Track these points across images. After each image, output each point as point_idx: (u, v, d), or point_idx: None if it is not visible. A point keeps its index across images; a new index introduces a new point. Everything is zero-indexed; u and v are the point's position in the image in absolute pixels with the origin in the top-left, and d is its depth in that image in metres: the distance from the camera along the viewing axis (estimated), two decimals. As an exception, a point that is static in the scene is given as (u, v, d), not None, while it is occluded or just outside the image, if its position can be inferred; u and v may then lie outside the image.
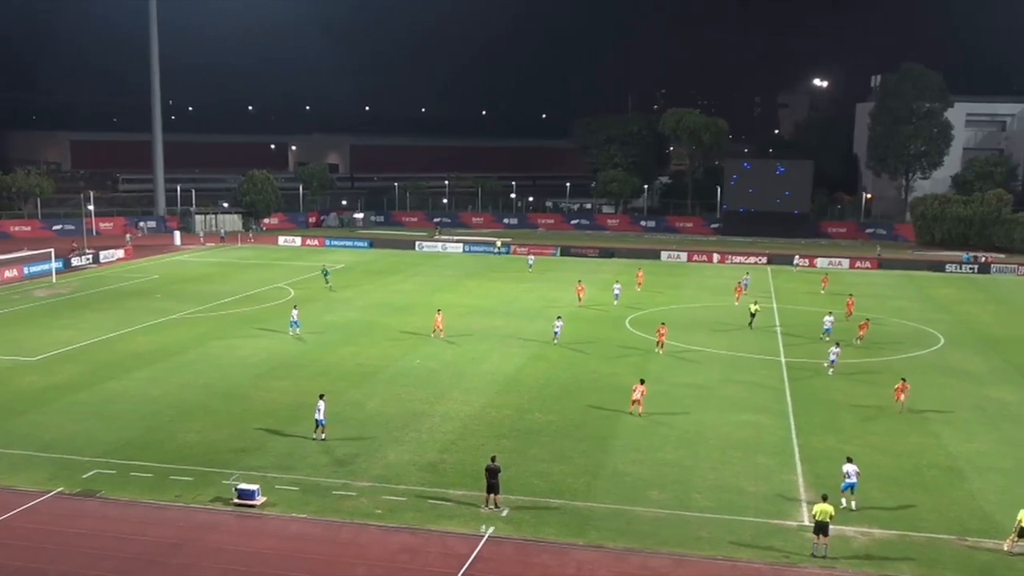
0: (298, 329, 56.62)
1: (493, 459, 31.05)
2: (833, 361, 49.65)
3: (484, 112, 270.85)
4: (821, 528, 27.80)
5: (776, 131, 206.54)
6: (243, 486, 31.03)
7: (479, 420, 40.31)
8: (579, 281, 71.66)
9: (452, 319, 62.33)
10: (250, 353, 51.87)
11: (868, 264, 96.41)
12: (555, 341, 54.90)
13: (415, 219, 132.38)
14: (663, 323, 55.81)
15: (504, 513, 30.25)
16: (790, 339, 58.03)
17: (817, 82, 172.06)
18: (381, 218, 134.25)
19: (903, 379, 42.76)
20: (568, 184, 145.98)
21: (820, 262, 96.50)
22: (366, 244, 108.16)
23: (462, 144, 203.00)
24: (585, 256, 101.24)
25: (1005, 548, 28.32)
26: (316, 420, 36.85)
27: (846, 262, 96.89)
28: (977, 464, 36.00)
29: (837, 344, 51.12)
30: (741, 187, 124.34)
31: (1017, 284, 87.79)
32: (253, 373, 47.52)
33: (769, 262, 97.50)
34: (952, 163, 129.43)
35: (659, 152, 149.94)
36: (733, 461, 35.67)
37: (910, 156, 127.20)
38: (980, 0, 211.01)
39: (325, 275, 76.63)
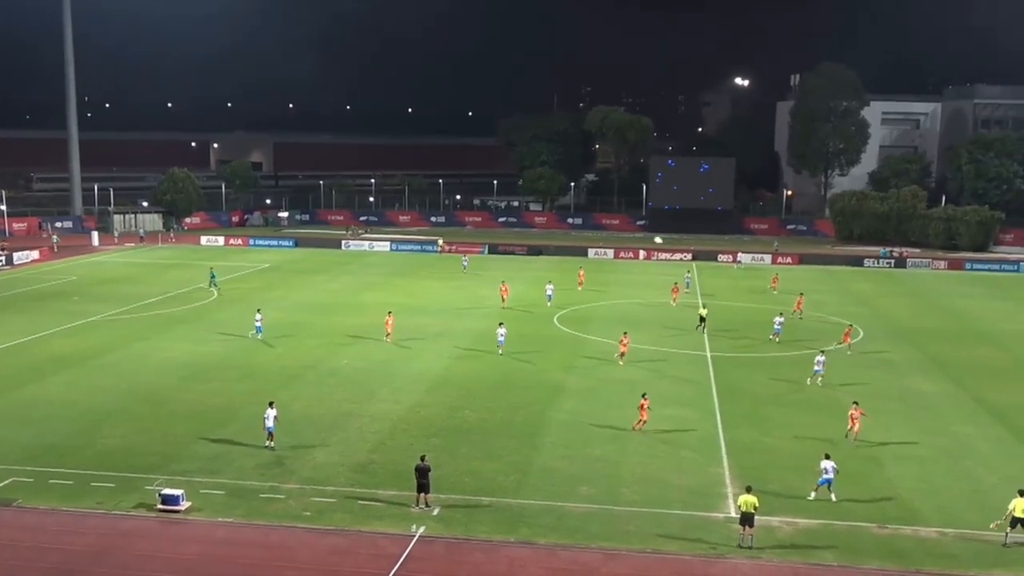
0: (259, 335, 55.01)
1: (423, 458, 30.98)
2: (818, 371, 46.70)
3: (410, 110, 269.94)
4: (747, 519, 28.32)
5: (700, 129, 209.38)
6: (167, 491, 30.48)
7: (408, 419, 40.17)
8: (503, 282, 70.50)
9: (381, 318, 61.99)
10: (174, 355, 50.95)
11: (789, 260, 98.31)
12: (499, 351, 51.90)
13: (341, 217, 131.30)
14: (626, 332, 52.69)
15: (435, 512, 30.21)
16: (715, 334, 58.85)
17: (739, 81, 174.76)
18: (307, 217, 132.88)
19: (855, 403, 38.56)
20: (495, 182, 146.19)
21: (743, 257, 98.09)
22: (291, 243, 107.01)
23: (388, 142, 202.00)
24: (513, 254, 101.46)
25: (1002, 538, 28.94)
26: (267, 428, 35.85)
27: (768, 258, 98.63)
28: (896, 453, 36.98)
29: (822, 352, 48.26)
30: (666, 184, 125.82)
31: (932, 278, 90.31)
32: (177, 376, 46.69)
33: (694, 258, 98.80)
34: (869, 160, 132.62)
35: (585, 150, 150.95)
36: (660, 455, 36.10)
37: (829, 154, 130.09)
38: (895, 2, 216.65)
39: (212, 278, 73.79)
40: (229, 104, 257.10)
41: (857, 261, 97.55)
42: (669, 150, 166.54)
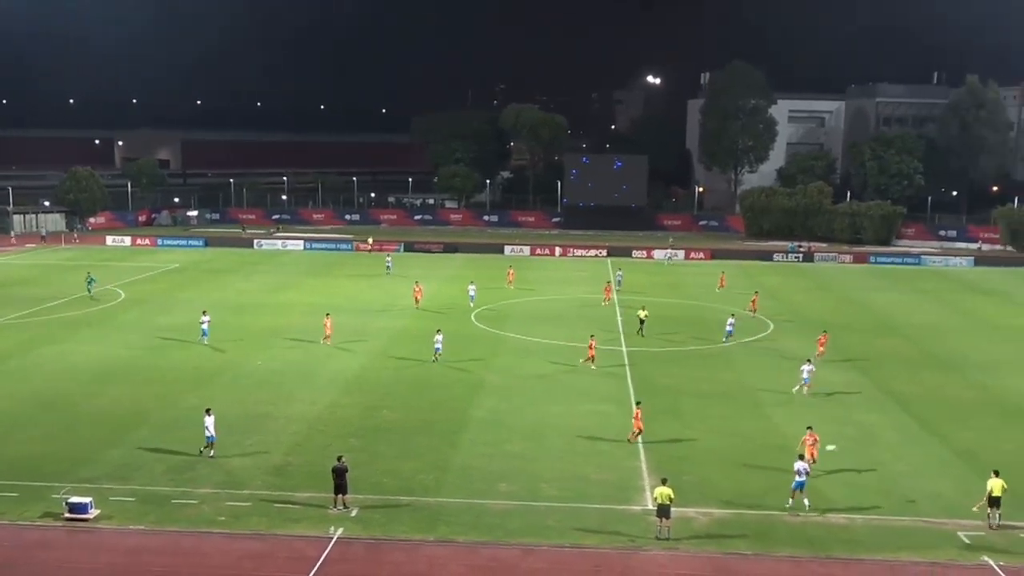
0: (206, 339, 53.36)
1: (339, 459, 30.66)
2: (806, 380, 44.94)
3: (322, 106, 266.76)
4: (663, 511, 28.67)
5: (613, 127, 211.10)
6: (75, 499, 29.59)
7: (325, 420, 39.74)
8: (416, 283, 68.56)
9: (296, 318, 61.34)
10: (79, 359, 49.54)
11: (702, 255, 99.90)
12: (435, 359, 49.63)
13: (253, 216, 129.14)
14: (592, 335, 50.78)
15: (353, 513, 29.92)
16: (631, 328, 59.41)
17: (650, 80, 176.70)
18: (217, 216, 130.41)
19: (809, 428, 35.35)
20: (410, 179, 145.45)
21: (657, 254, 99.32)
22: (201, 243, 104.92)
23: (301, 139, 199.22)
24: (429, 252, 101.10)
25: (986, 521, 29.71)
26: (207, 437, 34.78)
27: (681, 253, 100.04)
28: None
29: (809, 361, 46.34)
30: (581, 182, 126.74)
31: (838, 271, 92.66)
32: (83, 380, 45.41)
33: (609, 254, 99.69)
34: (777, 157, 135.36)
35: (500, 147, 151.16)
36: (578, 450, 36.35)
37: (738, 151, 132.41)
38: (801, 3, 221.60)
39: (89, 283, 70.05)
40: (134, 100, 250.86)
41: (767, 256, 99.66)
42: (583, 147, 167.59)
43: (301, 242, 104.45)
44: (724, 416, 41.40)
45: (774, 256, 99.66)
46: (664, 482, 29.40)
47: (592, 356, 49.08)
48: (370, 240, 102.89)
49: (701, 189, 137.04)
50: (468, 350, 53.11)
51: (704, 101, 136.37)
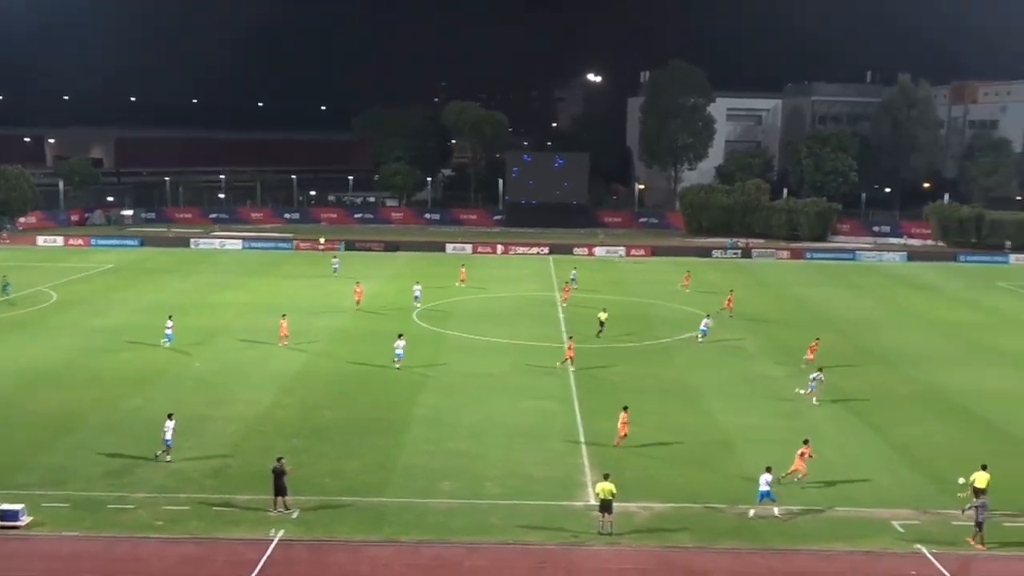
0: (169, 343, 52.06)
1: (278, 460, 30.32)
2: (813, 387, 43.94)
3: (261, 103, 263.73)
4: (605, 506, 28.84)
5: (554, 125, 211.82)
6: (5, 506, 28.87)
7: (266, 421, 39.32)
8: (357, 283, 67.48)
9: (235, 319, 60.68)
10: (11, 362, 48.36)
11: (643, 252, 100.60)
12: (397, 365, 48.01)
13: (189, 215, 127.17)
14: (571, 336, 51.77)
15: (295, 515, 29.60)
16: (573, 326, 59.62)
17: (591, 77, 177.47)
18: (152, 215, 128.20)
19: (806, 441, 34.09)
20: (351, 178, 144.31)
21: (598, 251, 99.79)
22: (137, 242, 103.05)
23: (239, 136, 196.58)
24: (370, 251, 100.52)
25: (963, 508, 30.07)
26: (164, 440, 34.09)
27: (622, 250, 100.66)
28: (747, 437, 38.33)
29: (820, 370, 45.01)
30: (522, 179, 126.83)
31: (776, 267, 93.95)
32: (15, 383, 44.37)
33: (551, 252, 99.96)
34: (716, 155, 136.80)
35: (442, 145, 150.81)
36: (521, 447, 36.40)
37: (678, 149, 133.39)
38: (739, 3, 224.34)
39: (4, 287, 67.91)
40: (66, 97, 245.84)
41: (706, 252, 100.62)
42: (525, 145, 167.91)
43: (240, 241, 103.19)
44: (664, 411, 41.75)
45: (713, 252, 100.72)
46: (606, 477, 29.62)
47: (571, 357, 48.84)
48: (322, 240, 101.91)
49: (642, 187, 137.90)
50: (410, 349, 52.78)
51: (644, 99, 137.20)
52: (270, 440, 36.61)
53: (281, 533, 28.40)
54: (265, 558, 26.94)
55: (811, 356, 50.07)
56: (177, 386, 44.39)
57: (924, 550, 28.25)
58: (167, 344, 52.15)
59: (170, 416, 34.64)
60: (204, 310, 63.74)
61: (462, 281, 75.80)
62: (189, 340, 53.85)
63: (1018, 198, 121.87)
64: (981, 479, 30.59)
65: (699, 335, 56.24)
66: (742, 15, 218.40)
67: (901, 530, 29.62)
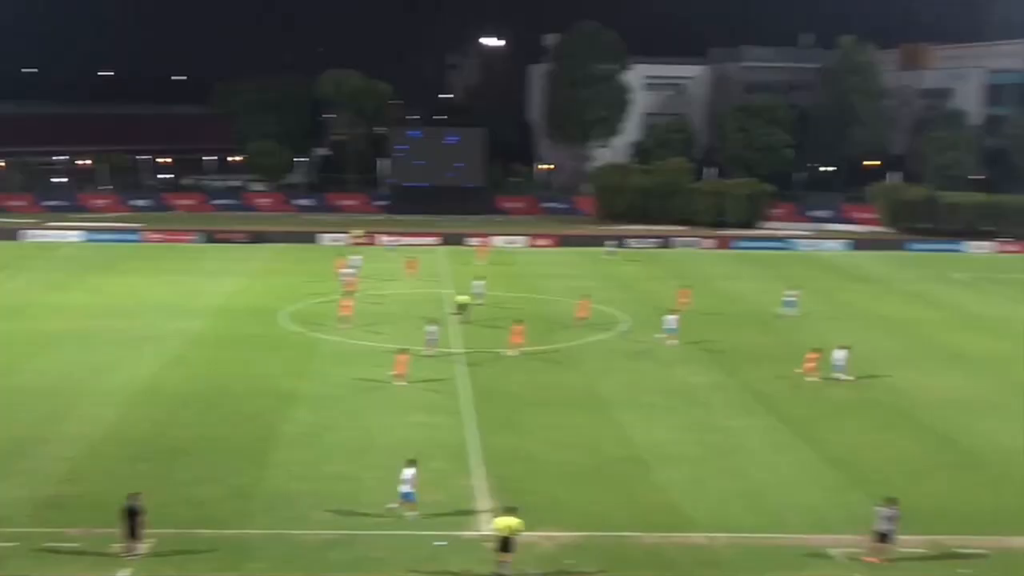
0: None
1: (134, 496, 29.39)
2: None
3: (101, 72, 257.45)
4: (506, 545, 28.25)
5: (446, 96, 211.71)
6: None
7: (110, 441, 38.73)
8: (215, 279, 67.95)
9: (75, 322, 59.52)
10: None
11: (548, 241, 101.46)
12: (433, 351, 52.71)
13: (23, 203, 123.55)
14: (519, 321, 55.25)
15: (142, 550, 29.21)
16: (467, 327, 59.96)
17: (487, 41, 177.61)
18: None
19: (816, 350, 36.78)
20: (211, 158, 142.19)
21: (497, 240, 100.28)
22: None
23: (78, 111, 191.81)
24: (233, 242, 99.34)
25: None
26: None
27: (525, 239, 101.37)
28: (663, 453, 38.99)
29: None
30: (410, 159, 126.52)
31: (699, 258, 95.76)
32: None
33: (444, 242, 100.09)
34: (632, 130, 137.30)
35: (316, 120, 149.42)
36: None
37: (588, 123, 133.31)
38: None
39: None
40: None
41: (621, 242, 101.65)
42: (412, 120, 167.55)
43: (80, 233, 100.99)
44: (570, 425, 42.24)
45: (629, 242, 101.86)
46: (510, 511, 29.23)
47: (516, 342, 52.64)
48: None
49: (547, 167, 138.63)
50: (277, 355, 52.64)
51: (549, 66, 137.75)
52: (113, 464, 36.05)
53: (128, 573, 28.03)
54: (107, 604, 26.62)
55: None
56: (3, 402, 43.39)
57: (863, 579, 28.91)
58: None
59: None
60: (38, 313, 62.35)
61: (411, 272, 79.15)
62: (20, 348, 52.68)
63: (977, 177, 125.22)
64: None
65: (664, 335, 56.97)
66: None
67: (840, 558, 30.19)
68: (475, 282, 68.95)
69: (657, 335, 57.47)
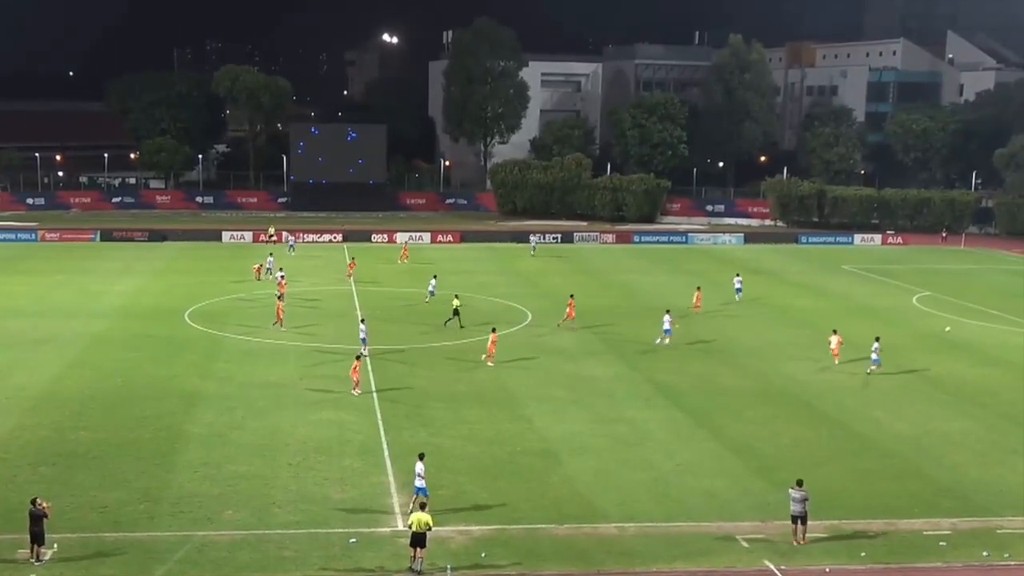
0: None
1: (35, 502, 28.43)
2: (876, 360, 50.12)
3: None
4: (418, 540, 28.22)
5: (346, 92, 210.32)
6: None
7: (9, 446, 37.51)
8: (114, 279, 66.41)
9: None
10: None
11: (451, 238, 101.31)
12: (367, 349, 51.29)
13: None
14: (494, 328, 53.45)
15: (47, 557, 28.37)
16: (373, 324, 59.46)
17: (387, 38, 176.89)
18: None
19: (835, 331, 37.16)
20: (106, 155, 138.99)
21: (400, 237, 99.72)
22: None
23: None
24: (132, 240, 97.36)
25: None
26: None
27: (427, 236, 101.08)
28: (571, 445, 39.15)
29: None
30: (310, 155, 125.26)
31: (600, 252, 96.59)
32: None
33: (345, 239, 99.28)
34: (530, 126, 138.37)
35: (214, 116, 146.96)
36: (316, 467, 36.10)
37: (487, 119, 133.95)
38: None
39: None
40: None
41: (522, 237, 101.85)
42: (312, 116, 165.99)
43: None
44: (477, 419, 42.20)
45: (529, 238, 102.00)
46: (423, 507, 29.24)
47: (492, 352, 50.79)
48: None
49: (448, 163, 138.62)
50: (180, 355, 51.62)
51: (447, 63, 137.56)
52: (14, 469, 34.96)
53: (30, 581, 27.26)
54: (11, 613, 25.82)
55: (571, 314, 59.03)
56: None
57: (772, 567, 29.20)
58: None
59: None
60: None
61: (403, 259, 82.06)
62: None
63: (861, 172, 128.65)
64: None
65: (662, 336, 56.30)
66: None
67: (746, 545, 30.50)
68: (432, 280, 68.00)
69: (657, 340, 56.74)
